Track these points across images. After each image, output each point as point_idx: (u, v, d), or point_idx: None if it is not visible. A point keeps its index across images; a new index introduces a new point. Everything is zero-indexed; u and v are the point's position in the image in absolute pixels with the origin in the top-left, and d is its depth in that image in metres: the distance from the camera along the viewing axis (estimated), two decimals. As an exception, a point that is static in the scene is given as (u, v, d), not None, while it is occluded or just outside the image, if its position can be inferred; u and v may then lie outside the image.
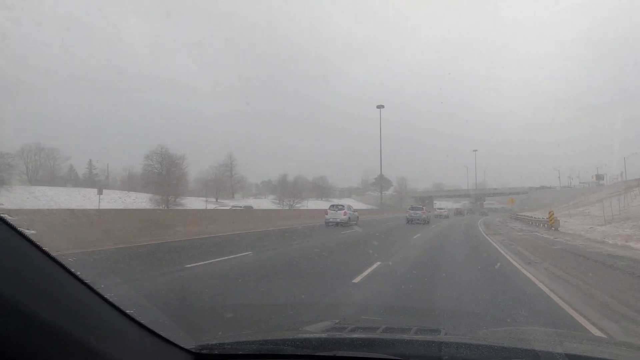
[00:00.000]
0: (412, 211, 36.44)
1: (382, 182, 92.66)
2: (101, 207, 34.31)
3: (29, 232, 1.03)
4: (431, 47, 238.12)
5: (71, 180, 75.57)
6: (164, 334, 1.45)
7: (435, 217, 49.80)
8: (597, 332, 4.97)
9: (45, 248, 1.07)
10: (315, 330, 2.43)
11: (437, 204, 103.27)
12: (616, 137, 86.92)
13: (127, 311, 1.32)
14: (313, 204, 78.46)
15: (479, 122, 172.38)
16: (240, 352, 1.74)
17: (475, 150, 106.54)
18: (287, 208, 72.64)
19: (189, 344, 1.63)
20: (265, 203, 78.26)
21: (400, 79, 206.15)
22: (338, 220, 28.05)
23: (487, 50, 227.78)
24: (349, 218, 28.64)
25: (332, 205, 30.66)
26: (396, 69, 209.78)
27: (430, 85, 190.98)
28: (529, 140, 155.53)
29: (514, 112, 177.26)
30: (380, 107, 67.59)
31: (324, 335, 2.20)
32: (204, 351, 1.64)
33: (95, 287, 1.20)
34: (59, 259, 1.10)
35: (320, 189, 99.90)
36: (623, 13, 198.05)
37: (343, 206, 30.29)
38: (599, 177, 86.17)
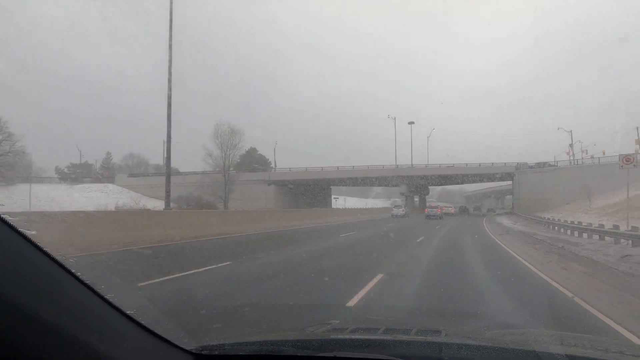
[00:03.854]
0: (429, 210, 46.22)
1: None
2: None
3: (29, 233, 1.03)
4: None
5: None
6: (164, 335, 1.45)
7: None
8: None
9: (46, 249, 1.07)
10: (315, 330, 2.42)
11: (340, 200, 68.06)
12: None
13: (128, 312, 1.32)
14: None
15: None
16: (241, 353, 1.73)
17: (412, 123, 68.94)
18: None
19: (190, 344, 1.63)
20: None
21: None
22: (399, 214, 46.99)
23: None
24: (405, 212, 48.59)
25: (395, 206, 53.08)
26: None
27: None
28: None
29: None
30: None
31: (324, 336, 2.20)
32: (205, 352, 1.64)
33: (96, 287, 1.21)
34: (60, 259, 1.10)
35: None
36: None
37: (401, 206, 53.09)
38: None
